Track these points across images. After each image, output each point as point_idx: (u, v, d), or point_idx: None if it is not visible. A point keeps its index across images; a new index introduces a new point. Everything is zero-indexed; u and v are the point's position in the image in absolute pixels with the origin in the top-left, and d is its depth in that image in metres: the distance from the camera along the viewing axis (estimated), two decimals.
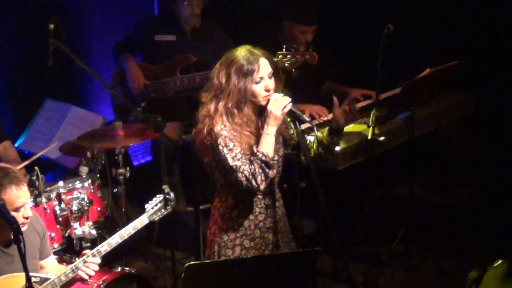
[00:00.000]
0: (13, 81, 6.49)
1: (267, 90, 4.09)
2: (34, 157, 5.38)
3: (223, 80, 4.09)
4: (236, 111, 4.08)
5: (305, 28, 5.97)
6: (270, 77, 4.11)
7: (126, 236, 4.38)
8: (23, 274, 3.75)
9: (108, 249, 4.34)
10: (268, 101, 4.09)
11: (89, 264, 4.26)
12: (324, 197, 4.15)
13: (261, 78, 4.08)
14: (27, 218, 4.11)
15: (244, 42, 4.24)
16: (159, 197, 4.48)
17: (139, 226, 4.41)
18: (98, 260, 4.29)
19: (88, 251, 4.30)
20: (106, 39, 6.78)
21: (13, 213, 3.99)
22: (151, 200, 4.49)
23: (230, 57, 4.12)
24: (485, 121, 6.61)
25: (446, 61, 5.54)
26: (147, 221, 4.43)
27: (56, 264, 4.48)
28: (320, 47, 5.74)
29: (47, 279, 4.20)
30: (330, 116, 5.77)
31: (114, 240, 4.35)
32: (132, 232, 4.39)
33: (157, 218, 4.46)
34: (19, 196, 4.04)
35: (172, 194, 4.47)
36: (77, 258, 4.37)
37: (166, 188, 4.49)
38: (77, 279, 4.30)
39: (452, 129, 6.66)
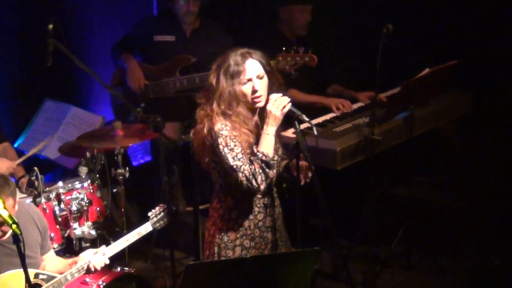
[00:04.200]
0: (13, 81, 6.49)
1: (254, 92, 4.07)
2: (29, 154, 5.40)
3: (214, 82, 4.10)
4: (230, 112, 4.07)
5: (303, 6, 5.98)
6: (261, 78, 4.09)
7: (131, 241, 4.43)
8: (29, 270, 3.78)
9: (114, 252, 4.38)
10: (262, 102, 4.09)
11: (98, 260, 4.28)
12: (324, 196, 4.16)
13: (249, 79, 4.07)
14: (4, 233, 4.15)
15: (246, 42, 4.24)
16: (162, 206, 4.55)
17: (144, 233, 4.48)
18: (107, 260, 4.33)
19: (101, 248, 4.34)
20: (105, 39, 6.77)
21: None
22: (154, 208, 4.54)
23: (222, 58, 4.13)
24: (484, 121, 6.61)
25: (446, 61, 5.55)
26: (151, 229, 4.50)
27: (55, 256, 4.52)
28: (320, 48, 5.74)
29: (53, 277, 4.24)
30: (354, 107, 5.82)
31: (120, 244, 4.41)
32: (137, 237, 4.45)
33: (159, 226, 4.53)
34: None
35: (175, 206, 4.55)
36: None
37: (170, 202, 4.58)
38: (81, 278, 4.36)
39: (451, 129, 6.66)
